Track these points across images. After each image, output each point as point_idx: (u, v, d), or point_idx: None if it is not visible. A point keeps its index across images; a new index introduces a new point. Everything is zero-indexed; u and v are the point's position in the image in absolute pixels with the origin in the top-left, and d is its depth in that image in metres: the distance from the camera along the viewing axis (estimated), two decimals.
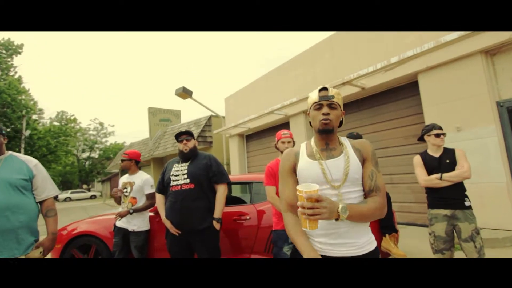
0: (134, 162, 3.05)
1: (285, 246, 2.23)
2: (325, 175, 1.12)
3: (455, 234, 2.35)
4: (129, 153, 3.10)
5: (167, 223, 2.39)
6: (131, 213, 2.81)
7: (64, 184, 40.45)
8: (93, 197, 28.23)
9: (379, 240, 2.73)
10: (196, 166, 2.48)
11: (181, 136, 2.57)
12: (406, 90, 5.32)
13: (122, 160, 3.06)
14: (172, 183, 2.43)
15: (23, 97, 16.76)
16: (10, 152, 1.88)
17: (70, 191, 30.15)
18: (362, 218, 1.09)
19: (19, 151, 16.00)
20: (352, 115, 6.36)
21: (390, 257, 2.67)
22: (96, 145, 38.22)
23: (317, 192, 0.98)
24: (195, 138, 9.94)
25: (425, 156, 2.54)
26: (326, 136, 1.18)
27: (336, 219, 1.01)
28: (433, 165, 2.44)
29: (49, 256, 3.15)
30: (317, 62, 6.88)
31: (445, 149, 2.48)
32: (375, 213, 1.11)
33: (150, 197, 2.90)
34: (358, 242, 1.11)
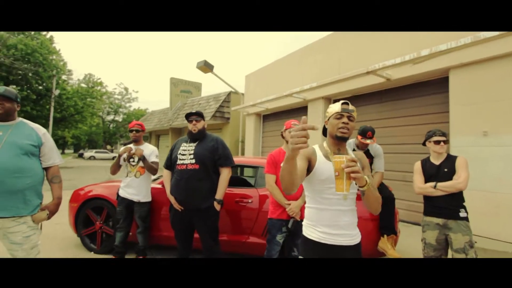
0: (143, 133, 3.20)
1: (278, 235, 2.30)
2: None
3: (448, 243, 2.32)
4: (142, 125, 3.22)
5: (171, 199, 2.51)
6: (142, 160, 2.98)
7: (89, 143, 42.80)
8: (115, 158, 29.83)
9: (377, 239, 2.74)
10: (203, 147, 2.53)
11: (191, 116, 2.61)
12: (434, 86, 5.01)
13: (137, 131, 3.15)
14: (179, 162, 2.52)
15: (54, 57, 17.40)
16: (20, 118, 1.99)
17: (94, 150, 31.93)
18: (375, 197, 1.29)
19: (49, 109, 16.91)
20: (373, 107, 6.11)
21: (385, 257, 2.68)
22: (120, 109, 39.58)
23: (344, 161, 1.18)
24: (214, 113, 9.89)
25: (426, 163, 2.48)
26: (340, 142, 1.39)
27: (361, 187, 1.21)
28: (431, 173, 2.40)
29: (66, 214, 3.45)
30: (341, 48, 6.56)
31: (448, 156, 2.39)
32: (379, 200, 1.32)
33: (155, 164, 3.07)
34: (352, 233, 1.32)
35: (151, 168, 3.01)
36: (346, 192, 1.19)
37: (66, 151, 52.09)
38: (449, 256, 2.36)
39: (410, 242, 4.06)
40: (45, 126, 17.65)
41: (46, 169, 2.01)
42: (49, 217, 1.95)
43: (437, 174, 2.35)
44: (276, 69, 8.94)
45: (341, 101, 1.40)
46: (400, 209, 5.46)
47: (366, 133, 2.82)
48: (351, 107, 1.39)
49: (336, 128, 1.36)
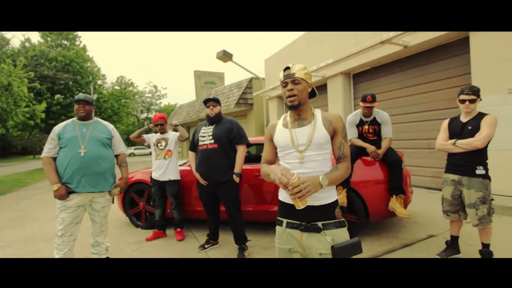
0: (166, 124, 3.65)
1: None
2: (292, 140, 1.32)
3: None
4: (164, 116, 3.67)
5: (197, 175, 2.91)
6: (176, 125, 3.53)
7: (128, 141, 45.87)
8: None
9: (387, 200, 2.91)
10: (219, 129, 2.87)
11: (208, 102, 2.95)
12: (454, 48, 4.81)
13: (162, 124, 3.63)
14: (200, 143, 2.89)
15: (89, 64, 18.86)
16: (96, 118, 2.59)
17: (133, 147, 34.28)
18: (338, 181, 1.28)
19: None
20: (393, 76, 6.00)
21: (396, 216, 2.85)
22: (152, 107, 41.71)
23: (297, 179, 1.16)
24: (237, 101, 10.29)
25: (453, 121, 2.49)
26: (295, 110, 1.36)
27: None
28: (456, 130, 2.41)
29: (115, 199, 4.06)
30: None
31: (478, 114, 2.35)
32: (344, 175, 1.30)
33: (182, 138, 3.57)
34: (318, 195, 1.25)
35: (184, 132, 3.54)
36: (305, 205, 1.18)
37: None
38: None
39: (432, 207, 4.11)
40: None
41: (116, 156, 2.64)
42: (120, 192, 2.58)
43: (461, 131, 2.36)
44: (294, 50, 8.95)
45: (284, 68, 1.35)
46: (426, 177, 5.43)
47: (366, 98, 2.95)
48: (293, 69, 1.31)
49: (285, 98, 1.34)
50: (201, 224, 3.82)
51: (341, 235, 1.26)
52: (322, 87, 7.93)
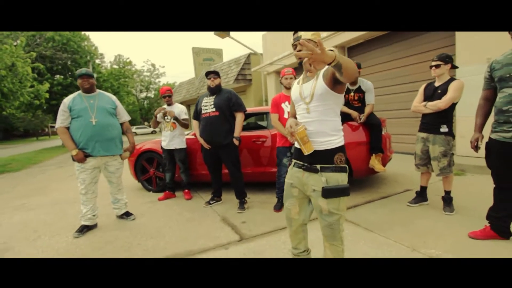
0: (173, 97, 3.98)
1: (284, 158, 3.00)
2: (300, 94, 1.52)
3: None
4: (171, 89, 4.00)
5: (201, 140, 3.31)
6: (175, 119, 3.76)
7: (129, 121, 46.10)
8: (153, 132, 32.27)
9: (368, 159, 3.33)
10: (220, 98, 3.23)
11: (209, 74, 3.29)
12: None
13: (169, 96, 3.95)
14: (203, 112, 3.27)
15: (86, 43, 18.71)
16: (98, 90, 2.90)
17: (135, 127, 34.63)
18: (349, 64, 1.21)
19: None
20: (384, 49, 6.22)
21: (375, 173, 3.29)
22: (151, 86, 41.47)
23: (302, 129, 1.41)
24: (236, 77, 10.54)
25: (428, 85, 2.85)
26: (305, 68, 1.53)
27: (331, 62, 1.18)
28: (428, 94, 2.78)
29: (126, 163, 4.51)
30: None
31: (449, 79, 2.67)
32: (354, 67, 1.23)
33: (185, 121, 3.86)
34: (319, 140, 1.43)
35: (184, 125, 3.83)
36: (311, 151, 1.40)
37: None
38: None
39: (413, 169, 4.55)
40: None
41: (121, 124, 3.03)
42: (129, 156, 3.05)
43: (433, 95, 2.72)
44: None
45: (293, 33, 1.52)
46: (412, 144, 5.84)
47: None
48: (300, 33, 1.47)
49: (297, 58, 1.44)
50: (206, 187, 4.29)
51: (335, 179, 1.40)
52: None
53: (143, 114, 42.69)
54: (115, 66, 25.90)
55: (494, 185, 2.16)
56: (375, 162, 3.22)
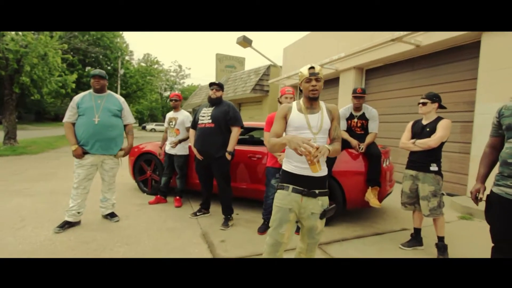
0: (180, 102, 3.98)
1: (273, 179, 2.90)
2: (308, 123, 1.64)
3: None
4: (180, 95, 4.02)
5: (194, 150, 3.28)
6: (179, 141, 3.81)
7: (150, 117, 47.62)
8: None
9: (364, 190, 3.15)
10: (218, 110, 3.20)
11: (213, 85, 3.28)
12: (464, 52, 4.76)
13: (176, 100, 3.98)
14: (199, 122, 3.24)
15: (118, 40, 19.61)
16: (109, 91, 3.00)
17: (155, 123, 35.67)
18: (336, 153, 1.64)
19: (116, 87, 19.49)
20: (405, 75, 5.99)
21: (370, 205, 3.09)
22: (175, 86, 42.70)
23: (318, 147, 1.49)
24: (254, 87, 10.55)
25: (416, 123, 2.77)
26: (312, 101, 1.68)
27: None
28: (416, 131, 2.70)
29: (126, 162, 4.57)
30: None
31: (436, 118, 2.62)
32: (339, 151, 1.68)
33: (187, 129, 3.81)
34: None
35: (186, 139, 3.84)
36: (296, 160, 1.60)
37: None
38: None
39: None
40: None
41: (125, 126, 3.09)
42: (124, 155, 3.06)
43: (421, 132, 2.64)
44: (312, 40, 8.97)
45: (308, 66, 1.65)
46: None
47: (356, 90, 3.20)
48: (317, 69, 1.63)
49: (308, 91, 1.64)
50: (199, 196, 4.24)
51: (326, 201, 1.66)
52: (334, 80, 7.98)
53: (165, 112, 43.91)
54: (142, 64, 26.89)
55: (492, 244, 1.94)
56: (370, 196, 3.04)
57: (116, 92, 19.15)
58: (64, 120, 2.90)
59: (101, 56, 18.88)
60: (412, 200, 2.70)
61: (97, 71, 2.92)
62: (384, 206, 4.11)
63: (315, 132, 1.63)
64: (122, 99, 3.08)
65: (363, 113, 3.27)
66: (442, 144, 2.54)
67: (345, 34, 7.28)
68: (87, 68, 19.17)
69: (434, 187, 2.53)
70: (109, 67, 19.62)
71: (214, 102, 3.26)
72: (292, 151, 1.61)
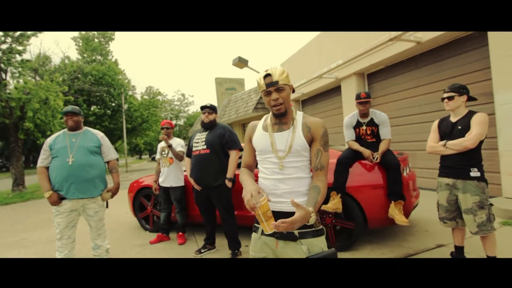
0: (172, 130, 3.72)
1: None
2: (272, 145, 1.26)
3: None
4: (171, 123, 3.79)
5: (191, 181, 2.99)
6: (169, 147, 3.43)
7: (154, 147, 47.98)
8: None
9: (387, 206, 2.74)
10: (212, 134, 2.93)
11: (204, 109, 3.04)
12: (471, 41, 4.45)
13: (167, 128, 3.69)
14: (194, 149, 2.98)
15: (120, 77, 20.21)
16: (85, 127, 2.73)
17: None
18: (320, 204, 1.20)
19: (122, 122, 19.80)
20: (408, 74, 5.68)
21: (395, 223, 2.67)
22: (180, 114, 43.37)
23: (265, 201, 1.09)
24: (255, 106, 10.34)
25: (443, 121, 2.36)
26: (283, 117, 1.30)
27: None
28: (446, 131, 2.28)
29: (125, 198, 4.28)
30: None
31: (467, 113, 2.21)
32: (324, 194, 1.22)
33: (181, 152, 3.49)
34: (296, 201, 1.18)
35: (177, 155, 3.47)
36: (271, 232, 1.09)
37: (143, 156, 59.68)
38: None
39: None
40: (120, 136, 20.70)
41: (107, 163, 2.76)
42: (111, 197, 2.69)
43: (451, 132, 2.23)
44: (307, 52, 8.85)
45: (264, 74, 1.24)
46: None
47: (360, 95, 2.87)
48: (276, 75, 1.22)
49: (270, 106, 1.26)
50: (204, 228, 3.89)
51: (317, 245, 1.18)
52: (336, 89, 7.74)
53: None
54: (145, 97, 27.48)
55: None
56: (395, 212, 2.63)
57: (122, 128, 19.47)
58: (37, 165, 2.62)
59: (104, 94, 19.37)
60: (452, 214, 2.27)
61: (70, 107, 2.66)
62: (411, 218, 3.66)
63: (281, 156, 1.23)
64: (101, 134, 2.75)
65: (371, 119, 2.94)
66: (481, 143, 2.11)
67: (339, 41, 7.12)
68: (92, 107, 19.64)
69: (479, 197, 2.08)
70: (113, 104, 20.07)
71: (208, 126, 3.01)
72: (261, 178, 1.32)
